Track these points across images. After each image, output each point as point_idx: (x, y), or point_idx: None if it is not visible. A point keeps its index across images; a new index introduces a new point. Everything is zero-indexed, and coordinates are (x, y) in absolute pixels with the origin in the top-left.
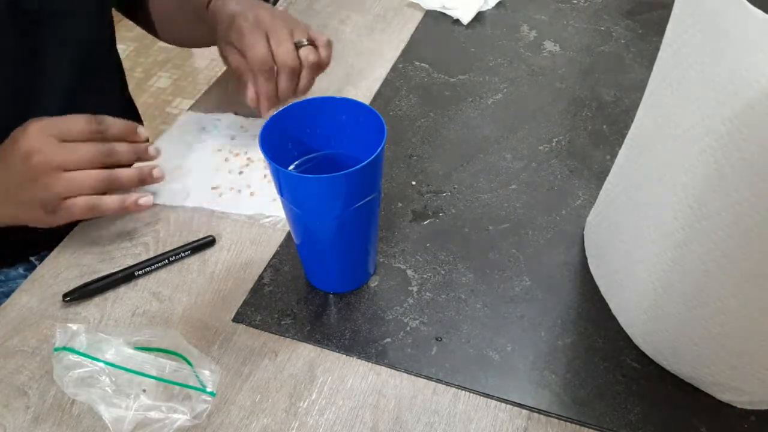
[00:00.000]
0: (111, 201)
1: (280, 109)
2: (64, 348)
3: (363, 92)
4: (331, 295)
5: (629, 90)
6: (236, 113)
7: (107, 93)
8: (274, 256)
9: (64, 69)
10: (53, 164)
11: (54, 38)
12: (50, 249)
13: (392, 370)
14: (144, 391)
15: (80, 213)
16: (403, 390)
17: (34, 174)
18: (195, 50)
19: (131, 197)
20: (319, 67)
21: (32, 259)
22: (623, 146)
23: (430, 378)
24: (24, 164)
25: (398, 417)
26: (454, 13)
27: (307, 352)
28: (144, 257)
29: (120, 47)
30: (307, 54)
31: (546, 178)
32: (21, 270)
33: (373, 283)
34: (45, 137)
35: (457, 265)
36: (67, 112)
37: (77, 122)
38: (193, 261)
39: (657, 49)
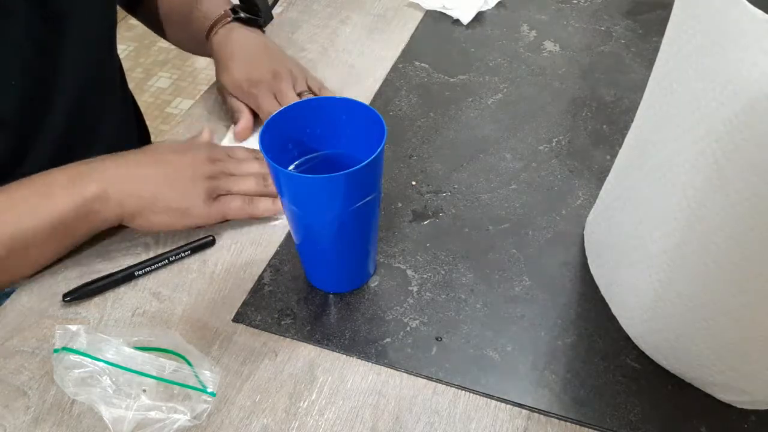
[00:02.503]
0: (262, 205)
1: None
2: (64, 348)
3: (363, 92)
4: (331, 295)
5: (629, 90)
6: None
7: (111, 91)
8: (274, 256)
9: (74, 67)
10: (228, 171)
11: (67, 37)
12: None
13: (392, 370)
14: (144, 391)
15: (234, 211)
16: (403, 390)
17: (212, 173)
18: None
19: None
20: None
21: None
22: (623, 146)
23: (430, 378)
24: (205, 165)
25: (398, 417)
26: (454, 13)
27: (307, 352)
28: (144, 257)
29: (120, 47)
30: None
31: (546, 178)
32: None
33: (373, 283)
34: (222, 153)
35: (457, 265)
36: (77, 111)
37: (242, 151)
38: (193, 261)
39: (657, 49)
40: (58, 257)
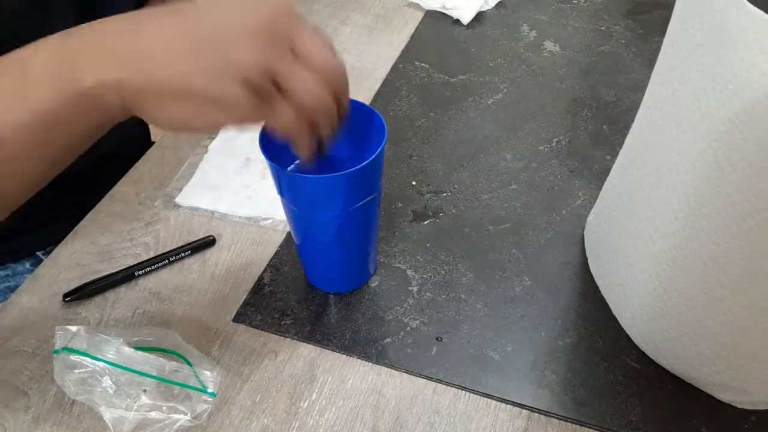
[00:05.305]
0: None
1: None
2: (64, 349)
3: (363, 92)
4: (331, 295)
5: (629, 90)
6: None
7: None
8: (274, 256)
9: None
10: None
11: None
12: (57, 244)
13: (392, 370)
14: (145, 391)
15: (284, 124)
16: (404, 390)
17: (275, 44)
18: None
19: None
20: None
21: (39, 254)
22: (623, 146)
23: (430, 378)
24: (270, 31)
25: (398, 417)
26: (454, 13)
27: (307, 352)
28: (144, 257)
29: None
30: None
31: (546, 178)
32: (28, 265)
33: (373, 283)
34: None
35: (458, 265)
36: None
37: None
38: (193, 261)
39: (657, 49)
40: (49, 173)
